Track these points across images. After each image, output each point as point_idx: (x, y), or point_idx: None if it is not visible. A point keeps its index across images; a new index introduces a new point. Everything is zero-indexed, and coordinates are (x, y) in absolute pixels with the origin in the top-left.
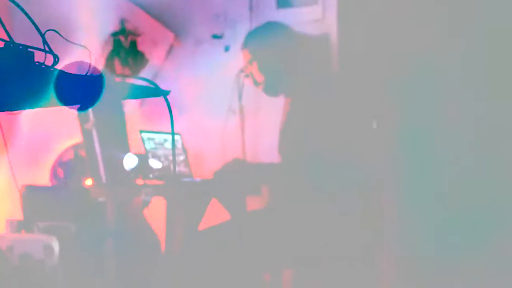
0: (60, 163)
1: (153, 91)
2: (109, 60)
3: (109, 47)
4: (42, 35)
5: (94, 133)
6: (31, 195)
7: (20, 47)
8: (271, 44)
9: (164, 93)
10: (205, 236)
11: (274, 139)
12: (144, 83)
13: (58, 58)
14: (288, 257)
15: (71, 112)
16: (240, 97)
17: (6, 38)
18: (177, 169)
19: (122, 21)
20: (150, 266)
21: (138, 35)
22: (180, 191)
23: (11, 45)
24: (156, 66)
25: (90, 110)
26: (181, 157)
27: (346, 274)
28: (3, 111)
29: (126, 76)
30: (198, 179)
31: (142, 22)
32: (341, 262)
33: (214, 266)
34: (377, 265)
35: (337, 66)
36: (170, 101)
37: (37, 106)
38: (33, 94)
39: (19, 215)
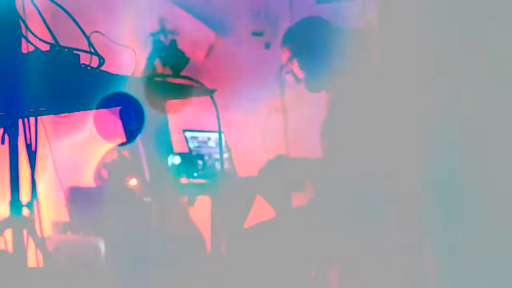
0: (104, 164)
1: (199, 90)
2: (149, 60)
3: (149, 47)
4: (87, 37)
5: (137, 132)
6: (76, 197)
7: (66, 50)
8: (311, 40)
9: (210, 92)
10: (251, 233)
11: (316, 135)
12: (190, 83)
13: (104, 60)
14: (334, 253)
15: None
16: (282, 94)
17: (51, 41)
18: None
19: (162, 21)
20: (196, 265)
21: (178, 34)
22: (225, 189)
23: (57, 48)
24: (197, 65)
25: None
26: (225, 155)
27: (392, 270)
28: (50, 114)
29: (167, 76)
30: (242, 176)
31: (182, 21)
32: (387, 258)
33: (259, 263)
34: (423, 259)
35: (378, 61)
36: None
37: (84, 109)
38: (79, 96)
39: (64, 217)
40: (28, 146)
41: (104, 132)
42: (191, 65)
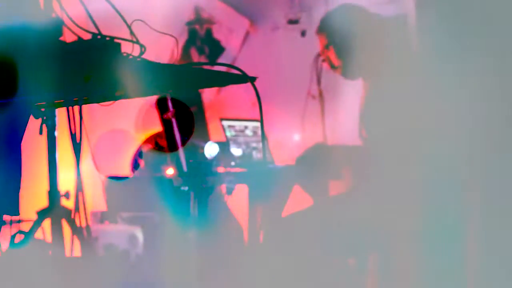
0: (140, 153)
1: (239, 77)
2: (185, 49)
3: (185, 36)
4: (129, 26)
5: (174, 122)
6: (114, 186)
7: (107, 38)
8: (348, 27)
9: (251, 79)
10: (289, 222)
11: (354, 122)
12: (230, 70)
13: (145, 48)
14: (373, 241)
15: (150, 102)
16: (319, 82)
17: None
18: (258, 155)
19: (197, 10)
20: (234, 254)
21: (213, 23)
22: (262, 178)
23: (99, 36)
24: (233, 54)
25: (169, 99)
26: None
27: (430, 258)
28: (92, 103)
29: (206, 63)
30: (280, 165)
31: (217, 10)
32: (425, 246)
33: (297, 252)
34: (465, 249)
35: (414, 47)
36: (250, 87)
37: (126, 97)
38: (121, 84)
39: (102, 206)
40: (73, 136)
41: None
42: (226, 54)
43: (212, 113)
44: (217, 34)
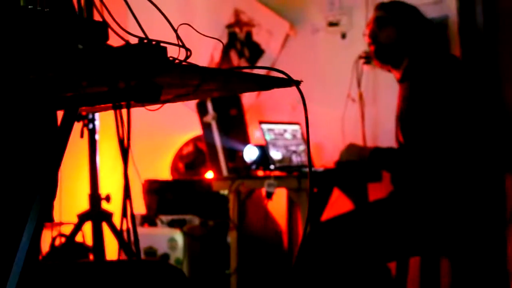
0: (180, 157)
1: (284, 81)
2: (225, 52)
3: (225, 39)
4: (175, 30)
5: (214, 125)
6: (153, 189)
7: (154, 43)
8: (391, 28)
9: (296, 83)
10: (328, 226)
11: (393, 125)
12: (270, 73)
13: (191, 52)
14: (414, 244)
15: (190, 106)
16: (359, 84)
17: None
18: (298, 159)
19: (237, 13)
20: (274, 258)
21: (253, 26)
22: (302, 182)
23: (145, 41)
24: (272, 56)
25: (209, 103)
26: (301, 147)
27: (474, 262)
28: (138, 106)
29: (250, 67)
30: (319, 168)
31: (257, 12)
32: (468, 248)
33: (337, 256)
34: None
35: (456, 49)
36: (289, 90)
37: (171, 101)
38: (167, 89)
39: (142, 209)
40: (121, 142)
41: None
42: (266, 57)
43: (251, 116)
44: (257, 37)
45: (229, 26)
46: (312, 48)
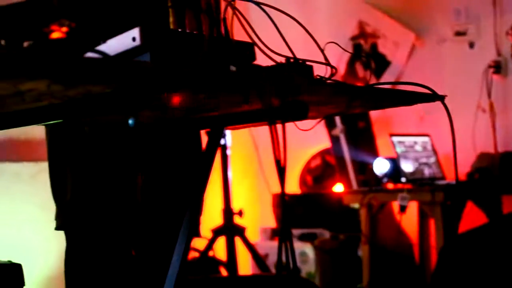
0: (308, 170)
1: (427, 96)
2: (350, 64)
3: (350, 52)
4: (322, 50)
5: (342, 138)
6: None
7: (300, 61)
8: None
9: (441, 98)
10: (465, 241)
11: None
12: (414, 88)
13: (336, 70)
14: None
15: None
16: (489, 94)
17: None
18: (430, 171)
19: (361, 25)
20: (405, 271)
21: (378, 37)
22: (435, 195)
23: (292, 60)
24: (399, 68)
25: (337, 116)
26: (432, 159)
27: None
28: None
29: (393, 83)
30: (451, 181)
31: (381, 24)
32: None
33: (477, 270)
34: None
35: None
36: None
37: (316, 117)
38: (313, 106)
39: (272, 223)
40: (278, 162)
41: None
42: (392, 68)
43: (379, 128)
44: (382, 48)
45: (353, 38)
46: (439, 58)
